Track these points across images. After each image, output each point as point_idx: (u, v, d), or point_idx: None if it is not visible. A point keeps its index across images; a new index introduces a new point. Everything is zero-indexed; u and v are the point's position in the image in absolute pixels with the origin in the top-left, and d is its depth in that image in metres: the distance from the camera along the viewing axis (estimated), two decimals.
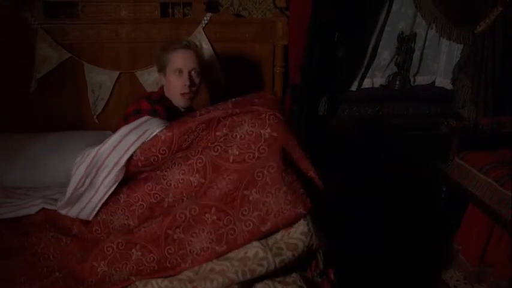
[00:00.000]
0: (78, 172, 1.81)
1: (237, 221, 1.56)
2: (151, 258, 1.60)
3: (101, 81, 2.62)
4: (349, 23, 2.96)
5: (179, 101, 2.20)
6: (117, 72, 2.63)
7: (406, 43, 3.24)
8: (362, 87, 3.28)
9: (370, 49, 3.19)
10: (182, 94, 2.17)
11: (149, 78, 2.66)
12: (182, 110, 2.23)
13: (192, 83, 2.17)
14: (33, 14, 2.47)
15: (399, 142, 3.02)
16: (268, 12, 2.84)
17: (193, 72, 2.19)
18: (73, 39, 2.55)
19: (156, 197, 1.76)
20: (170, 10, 2.66)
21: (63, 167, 2.31)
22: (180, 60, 2.16)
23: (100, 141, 2.51)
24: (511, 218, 2.17)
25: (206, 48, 2.63)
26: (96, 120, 2.69)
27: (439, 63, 3.38)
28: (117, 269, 1.59)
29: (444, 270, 2.61)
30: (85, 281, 1.58)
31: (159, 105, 2.07)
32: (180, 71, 2.16)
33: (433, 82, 3.45)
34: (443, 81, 3.35)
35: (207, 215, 1.59)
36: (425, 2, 2.89)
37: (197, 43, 2.29)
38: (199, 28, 2.63)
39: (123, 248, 1.64)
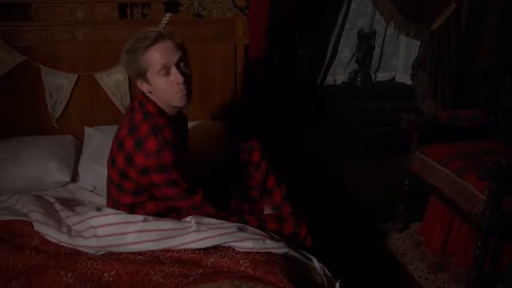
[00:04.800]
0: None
1: None
2: None
3: (58, 84, 2.55)
4: (309, 22, 2.99)
5: (178, 102, 1.81)
6: (76, 75, 2.56)
7: (366, 40, 3.29)
8: (324, 84, 3.32)
9: (330, 47, 3.23)
10: (179, 94, 1.79)
11: (109, 81, 2.61)
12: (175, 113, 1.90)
13: (185, 78, 1.78)
14: None
15: (362, 138, 3.06)
16: (229, 12, 2.82)
17: (182, 64, 1.78)
18: (27, 42, 2.47)
19: None
20: (129, 11, 2.61)
21: (23, 174, 2.26)
22: (160, 56, 1.73)
23: (60, 145, 2.51)
24: (469, 209, 2.23)
25: None
26: (56, 125, 2.62)
27: (399, 59, 3.45)
28: (82, 284, 1.55)
29: (409, 262, 2.67)
30: None
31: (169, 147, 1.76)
32: (167, 69, 1.75)
33: (394, 78, 3.52)
34: (403, 77, 3.43)
35: None
36: None
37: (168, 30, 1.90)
38: (159, 28, 2.60)
39: (98, 267, 1.60)
